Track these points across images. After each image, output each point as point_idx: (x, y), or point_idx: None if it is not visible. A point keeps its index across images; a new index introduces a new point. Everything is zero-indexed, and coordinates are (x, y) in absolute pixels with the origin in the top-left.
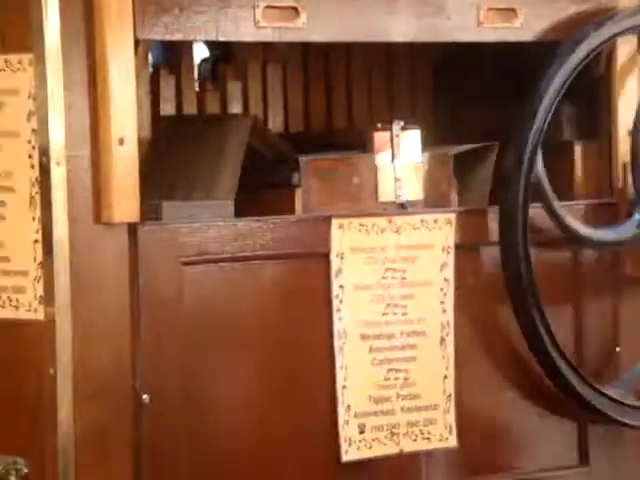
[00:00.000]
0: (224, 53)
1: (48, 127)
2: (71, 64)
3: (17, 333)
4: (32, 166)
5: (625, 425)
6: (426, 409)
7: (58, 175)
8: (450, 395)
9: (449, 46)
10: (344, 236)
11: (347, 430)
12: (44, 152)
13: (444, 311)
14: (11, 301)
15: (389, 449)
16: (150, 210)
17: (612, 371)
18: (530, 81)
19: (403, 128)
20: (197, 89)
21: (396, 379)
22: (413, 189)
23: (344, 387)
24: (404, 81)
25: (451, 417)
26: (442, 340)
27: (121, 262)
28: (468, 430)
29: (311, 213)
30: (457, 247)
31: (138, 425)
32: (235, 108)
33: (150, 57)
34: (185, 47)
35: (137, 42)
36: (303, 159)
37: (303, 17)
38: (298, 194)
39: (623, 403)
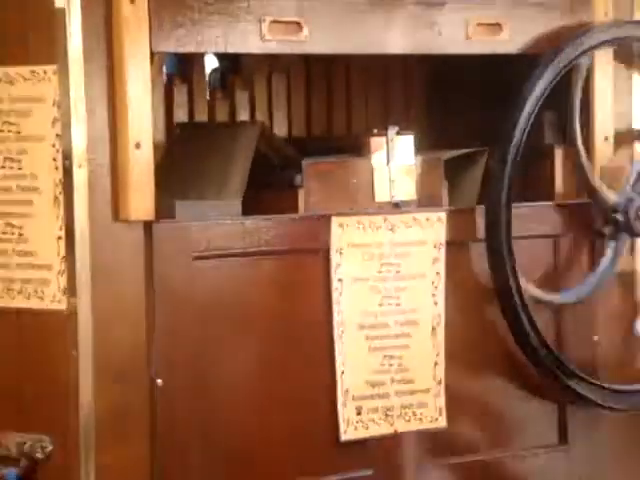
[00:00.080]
0: (233, 64)
1: (71, 132)
2: (92, 74)
3: (42, 322)
4: (56, 168)
5: (602, 407)
6: (418, 393)
7: (80, 177)
8: (440, 380)
9: (441, 58)
10: (343, 233)
11: (345, 412)
12: (67, 155)
13: (435, 303)
14: (37, 292)
15: (384, 429)
16: (164, 209)
17: (590, 358)
18: (514, 90)
19: (398, 133)
20: (208, 97)
21: (391, 365)
22: (407, 190)
23: (343, 372)
24: (399, 90)
25: (441, 400)
26: (433, 329)
27: (137, 257)
28: (457, 412)
29: (312, 212)
30: (448, 243)
31: (153, 407)
32: (243, 115)
33: (164, 68)
34: (197, 59)
35: (152, 54)
36: (305, 162)
37: (306, 31)
38: (300, 194)
39: (603, 387)
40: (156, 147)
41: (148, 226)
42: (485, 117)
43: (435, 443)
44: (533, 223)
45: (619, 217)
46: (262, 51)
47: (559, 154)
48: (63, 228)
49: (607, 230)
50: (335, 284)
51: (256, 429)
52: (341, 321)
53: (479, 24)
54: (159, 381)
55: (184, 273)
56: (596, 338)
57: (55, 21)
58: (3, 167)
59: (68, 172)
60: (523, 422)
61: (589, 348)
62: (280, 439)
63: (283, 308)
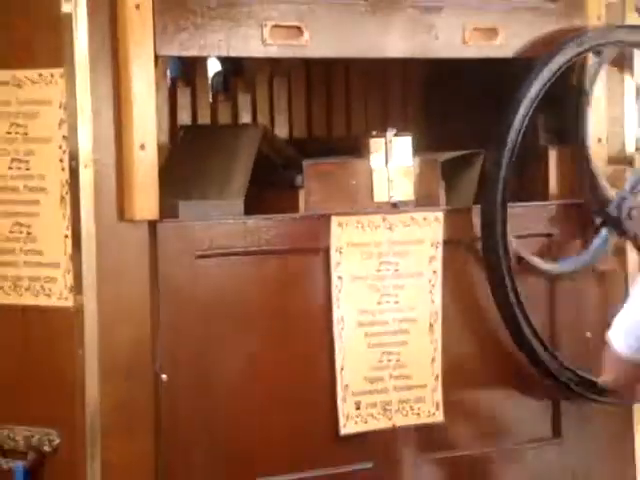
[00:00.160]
0: (235, 67)
1: (77, 134)
2: (98, 77)
3: (49, 318)
4: (63, 169)
5: (595, 401)
6: (416, 388)
7: (86, 177)
8: (437, 376)
9: (438, 62)
10: (343, 232)
11: (345, 407)
12: (73, 156)
13: (432, 300)
14: (44, 290)
15: (382, 423)
16: (168, 209)
17: (583, 354)
18: (510, 93)
19: (396, 135)
20: (210, 100)
21: (389, 361)
22: (405, 190)
23: (342, 368)
24: (397, 93)
25: (438, 395)
26: (431, 326)
27: (142, 255)
28: (453, 407)
29: (313, 212)
30: (445, 242)
31: (158, 402)
32: (245, 117)
33: (168, 71)
34: (199, 62)
35: (157, 57)
36: (306, 163)
37: (306, 35)
38: (301, 194)
39: (595, 382)
40: (160, 148)
41: (152, 225)
42: (482, 119)
43: (432, 437)
44: (528, 222)
45: (612, 212)
46: (263, 55)
47: (553, 155)
48: (70, 227)
49: (599, 220)
50: (335, 282)
51: (258, 423)
52: (340, 318)
53: (475, 29)
54: (164, 376)
55: (187, 271)
56: (589, 334)
57: (62, 26)
58: (11, 168)
59: (74, 173)
60: (517, 416)
61: (582, 344)
62: (281, 433)
63: (284, 306)
